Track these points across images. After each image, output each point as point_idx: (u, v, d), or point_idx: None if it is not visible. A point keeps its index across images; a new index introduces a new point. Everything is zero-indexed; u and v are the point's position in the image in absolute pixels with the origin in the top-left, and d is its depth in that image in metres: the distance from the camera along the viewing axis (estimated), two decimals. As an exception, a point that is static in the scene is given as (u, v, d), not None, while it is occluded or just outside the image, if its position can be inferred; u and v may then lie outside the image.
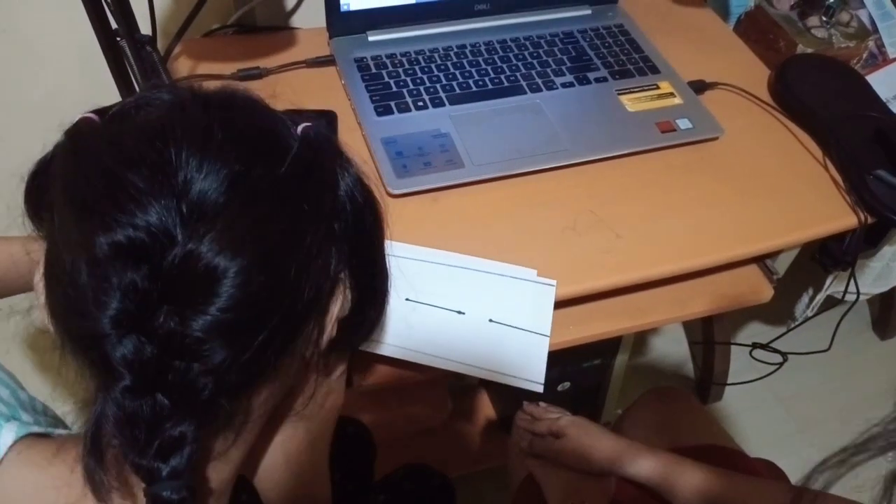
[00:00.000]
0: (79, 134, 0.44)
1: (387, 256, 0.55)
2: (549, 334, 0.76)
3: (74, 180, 0.41)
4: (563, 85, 0.99)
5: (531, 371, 0.74)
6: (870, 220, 0.89)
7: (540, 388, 0.75)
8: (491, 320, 0.75)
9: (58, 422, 0.57)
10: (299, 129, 0.48)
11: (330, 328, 0.49)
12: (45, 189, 0.45)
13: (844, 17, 1.11)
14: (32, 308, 0.47)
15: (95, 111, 0.46)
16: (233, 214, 0.40)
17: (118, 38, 0.75)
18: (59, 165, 0.43)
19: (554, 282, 0.78)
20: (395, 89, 0.95)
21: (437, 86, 0.96)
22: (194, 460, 0.40)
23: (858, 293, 1.01)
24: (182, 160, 0.40)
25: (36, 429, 0.49)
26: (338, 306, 0.49)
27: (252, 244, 0.41)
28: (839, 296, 1.07)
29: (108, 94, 0.80)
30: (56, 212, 0.42)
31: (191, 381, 0.39)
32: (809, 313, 1.17)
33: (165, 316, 0.38)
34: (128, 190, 0.39)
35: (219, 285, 0.39)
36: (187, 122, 0.42)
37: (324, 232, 0.46)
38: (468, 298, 0.76)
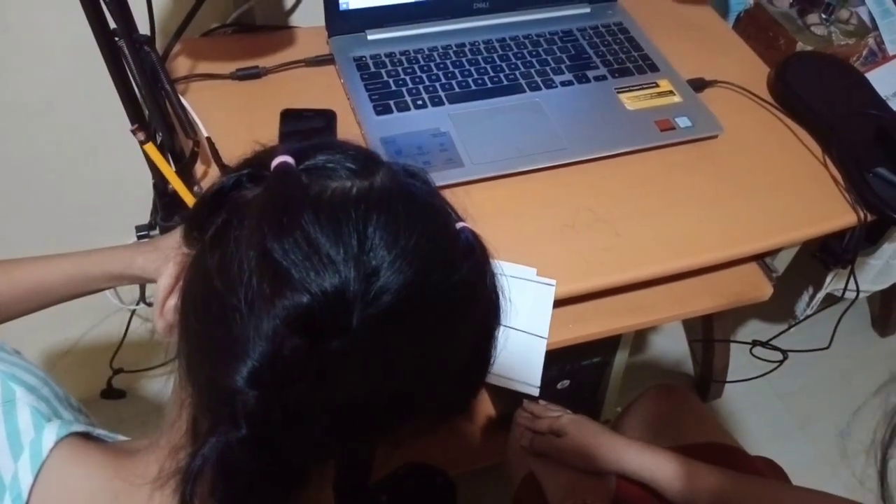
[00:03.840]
0: (282, 185, 0.42)
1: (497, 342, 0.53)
2: (546, 336, 0.76)
3: (276, 234, 0.39)
4: (563, 83, 0.98)
5: (528, 374, 0.74)
6: (870, 217, 0.89)
7: (536, 392, 0.75)
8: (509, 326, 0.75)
9: (93, 422, 0.57)
10: (459, 226, 0.48)
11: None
12: (218, 215, 0.44)
13: (844, 14, 1.11)
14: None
15: (289, 153, 0.44)
16: (405, 317, 0.41)
17: (116, 38, 0.74)
18: (257, 213, 0.41)
19: (553, 281, 0.78)
20: (394, 88, 0.95)
21: (437, 85, 0.96)
22: None
23: (858, 291, 1.01)
24: (376, 245, 0.40)
25: (76, 427, 0.49)
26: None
27: (411, 352, 0.42)
28: (839, 293, 1.07)
29: (107, 94, 0.80)
30: (237, 251, 0.41)
31: (305, 448, 0.41)
32: (809, 311, 1.17)
33: (304, 389, 0.38)
34: (323, 259, 0.39)
35: (367, 383, 0.40)
36: (393, 206, 0.42)
37: (461, 340, 0.46)
38: None
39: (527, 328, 0.76)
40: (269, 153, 0.44)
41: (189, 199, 0.79)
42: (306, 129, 0.90)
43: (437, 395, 0.46)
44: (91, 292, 0.73)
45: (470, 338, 0.47)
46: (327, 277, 0.38)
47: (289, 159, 0.43)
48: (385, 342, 0.40)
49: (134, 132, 0.77)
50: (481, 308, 0.47)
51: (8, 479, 0.46)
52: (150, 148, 0.77)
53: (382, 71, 0.96)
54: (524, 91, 0.97)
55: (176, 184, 0.79)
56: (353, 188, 0.42)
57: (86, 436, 0.50)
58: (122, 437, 0.54)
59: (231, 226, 0.42)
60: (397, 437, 0.47)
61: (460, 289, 0.44)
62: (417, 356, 0.42)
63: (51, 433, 0.47)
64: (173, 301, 0.45)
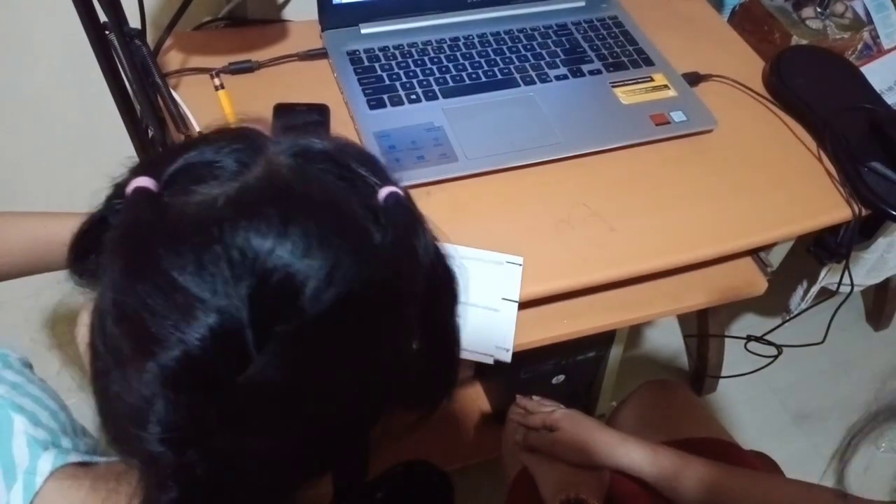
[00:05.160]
0: (133, 215, 0.37)
1: (458, 324, 0.48)
2: (517, 300, 0.77)
3: (129, 281, 0.35)
4: (557, 77, 0.98)
5: (500, 340, 0.75)
6: (864, 212, 0.89)
7: (508, 358, 0.76)
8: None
9: (96, 444, 0.56)
10: (382, 196, 0.41)
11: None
12: (92, 251, 0.39)
13: (839, 8, 1.11)
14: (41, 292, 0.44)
15: (151, 168, 0.38)
16: (313, 331, 0.36)
17: (107, 32, 0.74)
18: (108, 257, 0.36)
19: (520, 259, 0.78)
20: (387, 82, 0.94)
21: (431, 79, 0.95)
22: None
23: (853, 285, 1.01)
24: (259, 261, 0.35)
25: (74, 458, 0.48)
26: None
27: (332, 368, 0.36)
28: (833, 288, 1.07)
29: (98, 88, 0.79)
30: (104, 310, 0.36)
31: (244, 492, 0.37)
32: (804, 305, 1.17)
33: (220, 441, 0.35)
34: (187, 296, 0.34)
35: (302, 407, 0.35)
36: (265, 207, 0.36)
37: (408, 330, 0.41)
38: None
39: (495, 298, 0.76)
40: (133, 174, 0.39)
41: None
42: (300, 123, 0.89)
43: (399, 394, 0.42)
44: (55, 264, 0.66)
45: (415, 322, 0.41)
46: (199, 321, 0.33)
47: (144, 182, 0.37)
48: (305, 359, 0.35)
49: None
50: (419, 286, 0.41)
51: None
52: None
53: (376, 65, 0.96)
54: (518, 85, 0.96)
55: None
56: (220, 197, 0.36)
57: (84, 464, 0.49)
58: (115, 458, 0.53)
59: (100, 268, 0.37)
60: (367, 443, 0.44)
61: (384, 271, 0.38)
62: (352, 362, 0.37)
63: (46, 463, 0.47)
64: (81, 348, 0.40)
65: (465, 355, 0.75)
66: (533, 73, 0.98)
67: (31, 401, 0.51)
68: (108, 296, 0.36)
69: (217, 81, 0.88)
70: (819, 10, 1.10)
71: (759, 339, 1.12)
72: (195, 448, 0.35)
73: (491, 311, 0.76)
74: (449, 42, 1.00)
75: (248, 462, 0.35)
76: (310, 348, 0.35)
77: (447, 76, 0.96)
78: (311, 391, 0.36)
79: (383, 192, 0.41)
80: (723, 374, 1.66)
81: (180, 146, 0.41)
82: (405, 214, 0.41)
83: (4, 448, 0.47)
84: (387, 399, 0.42)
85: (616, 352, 1.30)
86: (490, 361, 0.76)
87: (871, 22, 1.11)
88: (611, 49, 1.03)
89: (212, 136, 0.41)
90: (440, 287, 0.43)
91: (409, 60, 0.97)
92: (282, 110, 0.90)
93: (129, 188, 0.37)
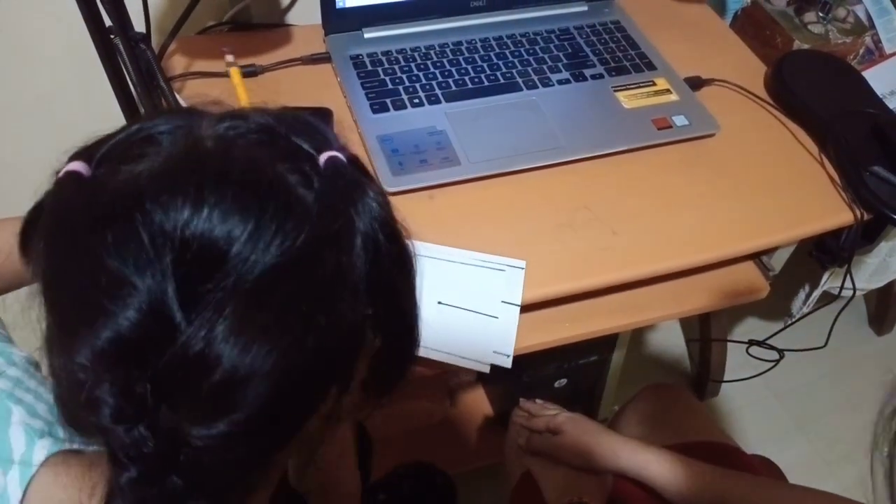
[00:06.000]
0: (59, 199, 0.37)
1: (417, 303, 0.48)
2: (519, 304, 0.77)
3: (51, 262, 0.35)
4: (560, 82, 0.98)
5: (500, 345, 0.75)
6: (866, 216, 0.89)
7: (508, 363, 0.76)
8: (455, 306, 0.76)
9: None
10: (321, 161, 0.40)
11: (352, 390, 0.45)
12: (34, 234, 0.39)
13: (841, 12, 1.11)
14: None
15: (86, 152, 0.39)
16: (244, 301, 0.35)
17: (112, 36, 0.74)
18: (38, 239, 0.37)
19: (523, 263, 0.79)
20: (390, 86, 0.94)
21: (433, 83, 0.95)
22: None
23: (855, 289, 1.01)
24: (177, 233, 0.34)
25: (68, 446, 0.49)
26: (363, 368, 0.45)
27: (266, 335, 0.35)
28: (835, 292, 1.07)
29: (103, 92, 0.80)
30: (40, 294, 0.37)
31: (202, 468, 0.36)
32: (806, 309, 1.16)
33: (165, 416, 0.35)
34: (110, 275, 0.34)
35: (224, 391, 0.35)
36: (183, 179, 0.36)
37: (351, 299, 0.40)
38: (433, 286, 0.76)
39: (495, 303, 0.77)
40: (69, 159, 0.39)
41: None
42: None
43: (347, 369, 0.42)
44: None
45: (360, 291, 0.40)
46: (124, 298, 0.33)
47: (74, 167, 0.38)
48: (236, 327, 0.34)
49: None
50: (358, 251, 0.40)
51: None
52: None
53: (379, 69, 0.96)
54: (521, 89, 0.97)
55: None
56: (143, 173, 0.36)
57: (78, 452, 0.50)
58: None
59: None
60: (330, 413, 0.43)
61: (315, 235, 0.37)
62: (285, 328, 0.36)
63: (41, 449, 0.47)
64: None
65: (460, 363, 0.75)
66: (535, 78, 0.98)
67: (31, 395, 0.52)
68: (39, 280, 0.36)
69: (230, 58, 0.89)
70: (821, 14, 1.10)
71: (761, 344, 1.12)
72: (143, 424, 0.35)
73: (490, 318, 0.77)
74: (452, 46, 1.01)
75: (194, 433, 0.35)
76: (237, 313, 0.35)
77: (450, 80, 0.96)
78: (247, 362, 0.35)
79: (323, 157, 0.40)
80: (725, 378, 1.66)
81: (120, 128, 0.41)
82: (341, 177, 0.40)
83: (2, 436, 0.48)
84: (332, 373, 0.41)
85: (618, 356, 1.31)
86: (486, 370, 0.76)
87: (872, 27, 1.11)
88: (613, 53, 1.03)
89: (151, 115, 0.41)
90: (386, 255, 0.42)
91: (412, 64, 0.97)
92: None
93: (61, 172, 0.38)
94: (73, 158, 0.39)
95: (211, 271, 0.35)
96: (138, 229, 0.34)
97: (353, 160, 0.42)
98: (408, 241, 0.45)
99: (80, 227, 0.35)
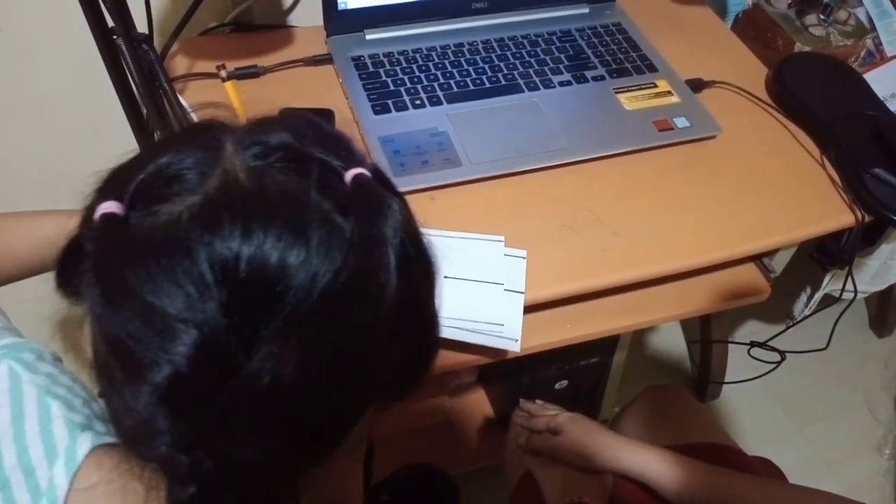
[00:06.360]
0: (102, 243, 0.38)
1: (436, 308, 0.48)
2: (524, 291, 0.77)
3: (107, 309, 0.36)
4: (561, 83, 0.99)
5: (507, 329, 0.75)
6: (867, 218, 0.89)
7: (517, 347, 0.75)
8: (464, 278, 0.77)
9: None
10: (347, 179, 0.41)
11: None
12: (74, 274, 0.40)
13: (842, 15, 1.11)
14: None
15: (115, 191, 0.39)
16: (294, 328, 0.36)
17: (114, 37, 0.74)
18: (86, 287, 0.37)
19: (524, 252, 0.79)
20: (392, 88, 0.94)
21: (435, 84, 0.96)
22: None
23: (856, 291, 1.01)
24: (229, 270, 0.36)
25: (109, 439, 0.50)
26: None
27: (319, 360, 0.37)
28: (837, 294, 1.07)
29: (104, 92, 0.80)
30: (93, 336, 0.38)
31: (253, 482, 0.39)
32: (807, 311, 1.17)
33: (226, 439, 0.37)
34: (164, 318, 0.35)
35: (283, 413, 0.37)
36: (228, 217, 0.37)
37: (390, 311, 0.41)
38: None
39: (502, 282, 0.77)
40: (98, 196, 0.40)
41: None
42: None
43: (381, 379, 0.43)
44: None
45: (393, 304, 0.41)
46: (181, 340, 0.35)
47: (109, 208, 0.38)
48: (292, 355, 0.36)
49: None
50: (391, 266, 0.40)
51: (44, 485, 0.47)
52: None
53: (381, 70, 0.96)
54: (522, 91, 0.97)
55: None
56: (183, 213, 0.37)
57: (118, 446, 0.51)
58: None
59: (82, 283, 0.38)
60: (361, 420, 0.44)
61: (353, 258, 0.38)
62: (336, 352, 0.38)
63: (85, 441, 0.48)
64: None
65: (469, 337, 0.74)
66: (537, 79, 0.98)
67: (65, 389, 0.53)
68: (93, 325, 0.37)
69: (224, 73, 0.89)
70: (822, 17, 1.10)
71: (762, 345, 1.12)
72: (203, 449, 0.36)
73: (495, 288, 0.76)
74: (453, 48, 1.01)
75: (254, 454, 0.37)
76: (296, 345, 0.36)
77: (451, 82, 0.96)
78: (303, 385, 0.37)
79: (349, 175, 0.41)
80: (726, 379, 1.66)
81: (140, 159, 0.41)
82: (370, 197, 0.41)
83: (45, 430, 0.49)
84: (372, 386, 0.43)
85: (619, 357, 1.31)
86: (495, 345, 0.75)
87: (873, 29, 1.11)
88: (614, 55, 1.03)
89: (171, 145, 0.41)
90: (414, 262, 0.43)
91: (414, 66, 0.97)
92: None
93: (97, 214, 0.38)
94: (101, 198, 0.39)
95: (265, 305, 0.36)
96: (188, 269, 0.35)
97: (376, 172, 0.43)
98: (428, 243, 0.46)
99: (129, 270, 0.36)
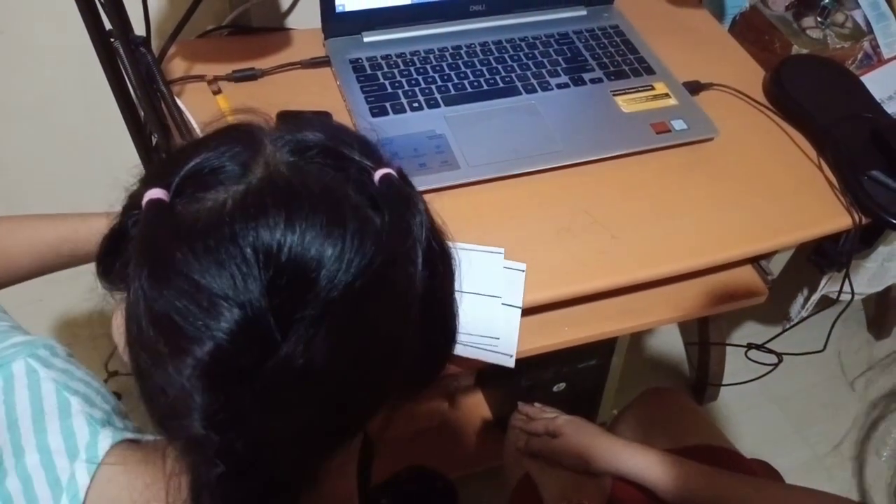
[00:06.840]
0: (151, 226, 0.40)
1: (455, 301, 0.50)
2: (521, 306, 0.77)
3: (155, 286, 0.38)
4: (559, 86, 0.99)
5: (503, 345, 0.75)
6: (864, 220, 0.89)
7: (511, 363, 0.76)
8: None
9: (137, 426, 0.58)
10: (376, 179, 0.43)
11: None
12: (116, 260, 0.43)
13: (839, 17, 1.11)
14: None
15: (160, 180, 0.41)
16: (330, 314, 0.38)
17: (112, 39, 0.74)
18: (134, 266, 0.39)
19: (523, 265, 0.79)
20: (390, 90, 0.95)
21: (433, 87, 0.96)
22: None
23: (853, 293, 1.01)
24: (272, 255, 0.38)
25: (128, 434, 0.51)
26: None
27: (350, 346, 0.39)
28: (834, 296, 1.07)
29: (103, 95, 0.80)
30: (134, 304, 0.39)
31: (282, 463, 0.40)
32: (804, 314, 1.17)
33: (259, 419, 0.38)
34: (214, 298, 0.37)
35: (314, 395, 0.39)
36: (273, 205, 0.39)
37: (418, 305, 0.43)
38: None
39: (499, 298, 0.77)
40: (145, 186, 0.42)
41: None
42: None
43: (406, 371, 0.45)
44: (62, 266, 0.71)
45: (418, 296, 0.43)
46: (225, 317, 0.36)
47: (156, 194, 0.40)
48: (326, 340, 0.38)
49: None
50: (418, 259, 0.43)
51: (65, 481, 0.47)
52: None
53: (378, 73, 0.96)
54: (520, 93, 0.97)
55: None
56: (228, 200, 0.39)
57: (135, 441, 0.51)
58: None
59: (127, 275, 0.40)
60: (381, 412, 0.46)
61: (386, 251, 0.40)
62: (366, 339, 0.40)
63: (105, 437, 0.49)
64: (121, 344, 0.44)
65: (470, 353, 0.74)
66: (534, 82, 0.98)
67: (83, 385, 0.54)
68: (139, 302, 0.38)
69: (214, 87, 0.89)
70: (819, 19, 1.10)
71: (759, 348, 1.12)
72: (235, 428, 0.37)
73: (493, 301, 0.76)
74: (451, 50, 1.01)
75: (283, 436, 0.39)
76: (329, 329, 0.38)
77: (449, 84, 0.96)
78: (334, 368, 0.38)
79: (377, 175, 0.43)
80: (724, 381, 1.66)
81: (184, 152, 0.43)
82: (398, 195, 0.43)
83: (66, 426, 0.50)
84: (397, 374, 0.44)
85: (617, 360, 1.31)
86: (491, 360, 0.76)
87: (871, 31, 1.12)
88: (612, 57, 1.04)
89: (212, 140, 0.43)
90: (438, 259, 0.45)
91: (412, 68, 0.98)
92: (285, 118, 0.90)
93: (144, 200, 0.40)
94: (147, 186, 0.41)
95: (303, 290, 0.38)
96: (234, 253, 0.37)
97: (400, 173, 0.45)
98: (448, 242, 0.48)
99: (177, 252, 0.38)
